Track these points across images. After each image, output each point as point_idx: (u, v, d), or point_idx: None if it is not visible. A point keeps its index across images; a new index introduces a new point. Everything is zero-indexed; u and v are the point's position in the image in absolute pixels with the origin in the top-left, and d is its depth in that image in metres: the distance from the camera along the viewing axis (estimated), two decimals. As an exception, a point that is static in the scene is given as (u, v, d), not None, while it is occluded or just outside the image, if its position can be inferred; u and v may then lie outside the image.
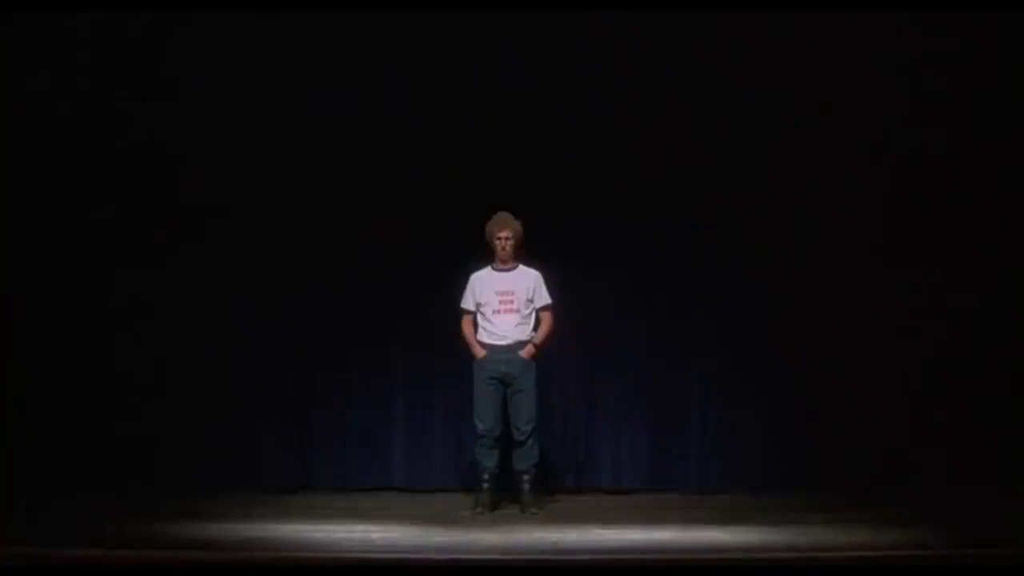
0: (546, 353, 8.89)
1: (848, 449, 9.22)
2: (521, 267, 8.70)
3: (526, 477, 8.64)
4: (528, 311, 8.65)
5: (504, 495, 8.75)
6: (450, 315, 8.90)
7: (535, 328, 8.67)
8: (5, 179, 9.02)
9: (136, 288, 9.27)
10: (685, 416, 9.49)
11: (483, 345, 8.63)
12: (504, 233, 8.59)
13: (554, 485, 9.21)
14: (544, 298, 8.68)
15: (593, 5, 9.09)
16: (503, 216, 8.64)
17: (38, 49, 9.06)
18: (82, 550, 7.04)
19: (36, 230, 9.13)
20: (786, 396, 9.34)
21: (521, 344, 8.60)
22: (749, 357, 9.39)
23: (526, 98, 9.35)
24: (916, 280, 9.23)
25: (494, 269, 8.69)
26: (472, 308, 8.69)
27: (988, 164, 9.14)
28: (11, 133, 8.98)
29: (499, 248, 8.61)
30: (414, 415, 9.49)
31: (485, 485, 8.63)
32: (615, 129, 9.39)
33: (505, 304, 8.62)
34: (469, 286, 8.69)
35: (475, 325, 8.71)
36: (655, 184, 9.37)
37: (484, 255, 8.73)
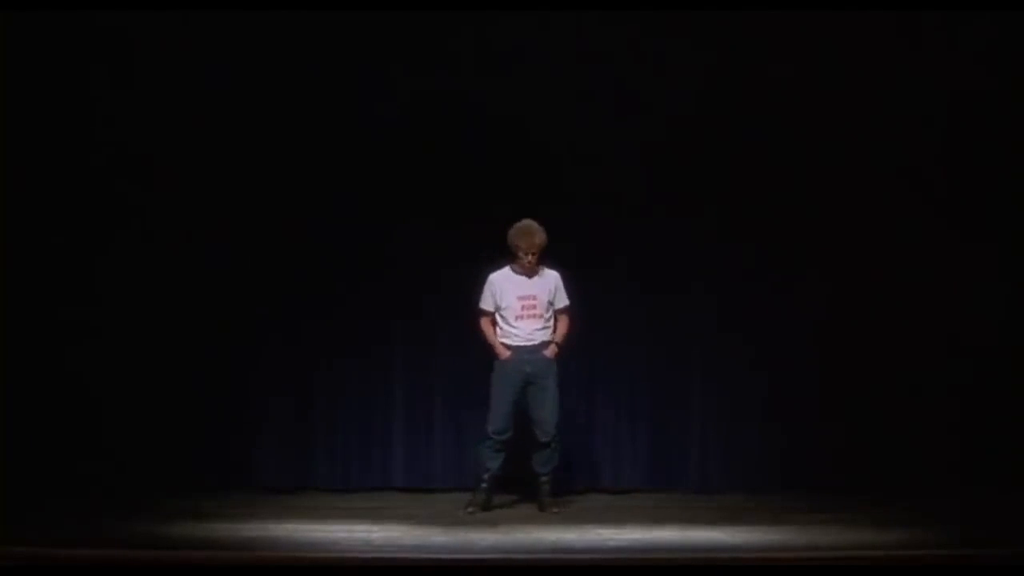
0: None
1: (848, 449, 9.22)
2: (542, 269, 8.61)
3: (545, 479, 8.64)
4: (549, 314, 8.60)
5: (500, 496, 8.78)
6: (450, 315, 8.92)
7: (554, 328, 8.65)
8: (4, 187, 9.02)
9: (135, 286, 9.27)
10: (685, 416, 9.48)
11: (506, 347, 8.58)
12: (532, 251, 8.42)
13: (554, 485, 9.19)
14: (563, 299, 8.63)
15: (596, 5, 9.08)
16: (529, 229, 8.44)
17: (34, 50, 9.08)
18: (82, 550, 7.04)
19: (29, 228, 9.10)
20: (786, 396, 9.34)
21: (545, 345, 8.57)
22: (749, 357, 9.38)
23: (525, 97, 9.33)
24: (917, 280, 9.22)
25: (514, 272, 8.59)
26: (492, 309, 8.60)
27: (990, 162, 9.14)
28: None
29: (525, 261, 8.47)
30: (414, 415, 9.49)
31: (484, 485, 8.62)
32: (614, 129, 9.39)
33: (528, 309, 8.54)
34: (488, 287, 8.60)
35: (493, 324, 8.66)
36: (656, 182, 9.37)
37: (486, 253, 8.68)
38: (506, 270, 8.62)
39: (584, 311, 9.24)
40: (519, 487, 8.84)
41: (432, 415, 9.48)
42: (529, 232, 8.46)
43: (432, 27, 9.23)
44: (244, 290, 9.35)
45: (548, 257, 8.68)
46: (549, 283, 8.60)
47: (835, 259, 9.30)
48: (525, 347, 8.54)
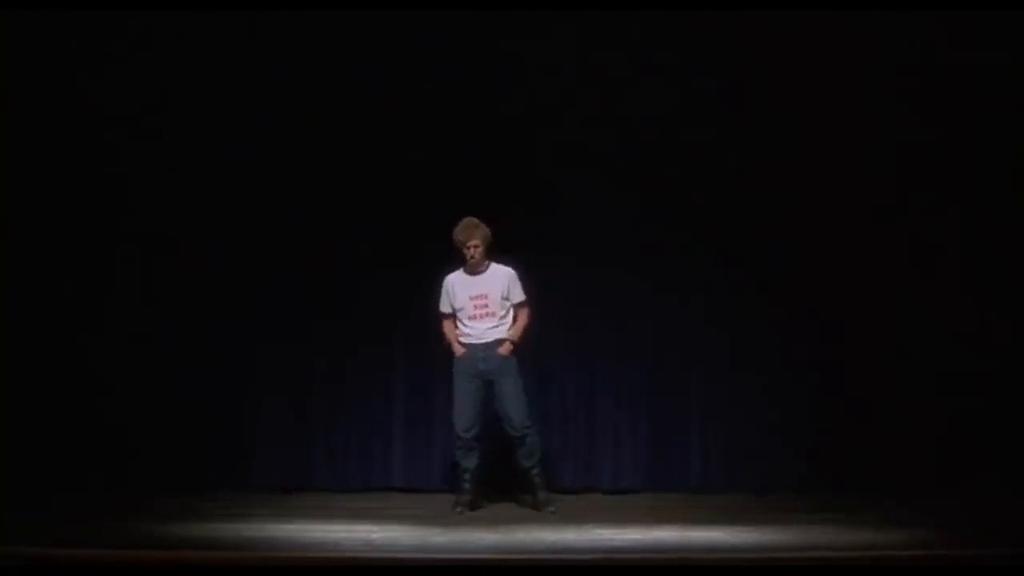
0: (546, 353, 8.90)
1: (848, 449, 9.22)
2: (493, 266, 8.64)
3: (535, 472, 8.64)
4: (504, 311, 8.62)
5: (499, 495, 8.80)
6: (450, 315, 8.92)
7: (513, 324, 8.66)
8: (5, 183, 9.03)
9: (135, 286, 9.28)
10: (685, 416, 9.49)
11: (462, 344, 8.63)
12: (473, 242, 8.52)
13: (554, 485, 9.19)
14: (519, 295, 8.65)
15: (588, 6, 9.08)
16: (470, 222, 8.55)
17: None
18: (82, 550, 7.04)
19: (29, 228, 9.12)
20: (786, 396, 9.35)
21: (499, 343, 8.59)
22: (749, 357, 9.39)
23: (524, 96, 9.34)
24: (917, 281, 9.23)
25: (466, 272, 8.65)
26: (449, 311, 8.68)
27: (991, 164, 9.14)
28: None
29: (468, 256, 8.56)
30: (414, 415, 9.50)
31: (466, 485, 8.63)
32: (616, 132, 9.39)
33: (479, 308, 8.60)
34: (444, 289, 8.68)
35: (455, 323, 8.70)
36: (656, 184, 9.38)
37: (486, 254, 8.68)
38: (459, 271, 8.68)
39: (585, 312, 9.27)
40: (516, 486, 8.84)
41: (432, 415, 9.48)
42: (470, 225, 8.55)
43: (433, 28, 9.23)
44: (244, 290, 9.36)
45: (546, 258, 8.69)
46: (501, 280, 8.62)
47: (836, 259, 9.30)
48: (478, 345, 8.58)
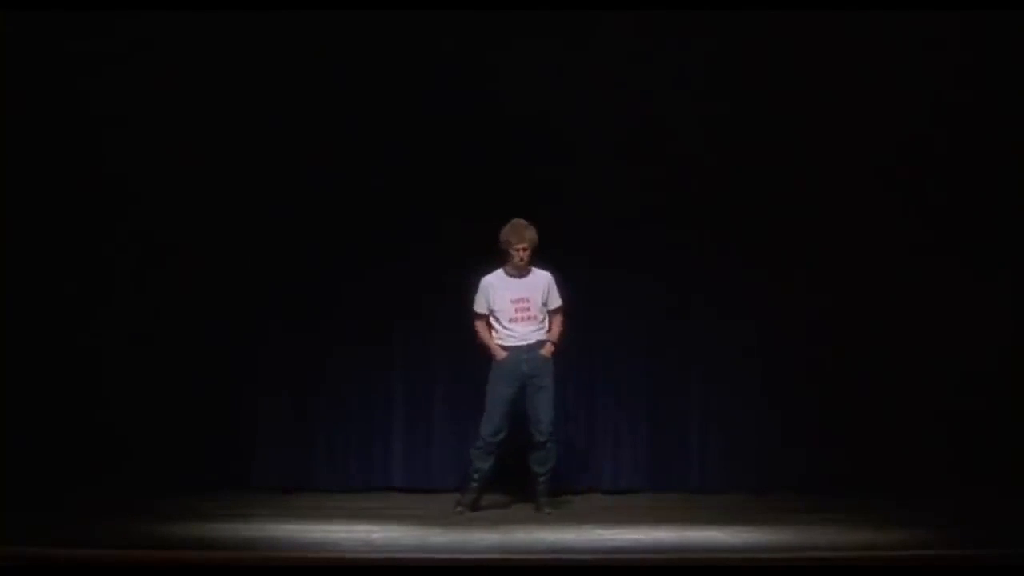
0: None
1: (848, 449, 9.22)
2: (534, 271, 8.61)
3: (543, 478, 8.63)
4: (543, 316, 8.60)
5: (498, 495, 8.81)
6: (451, 315, 8.91)
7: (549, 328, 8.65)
8: (5, 183, 9.03)
9: (135, 286, 9.28)
10: (685, 416, 9.49)
11: (502, 348, 8.58)
12: (523, 244, 8.47)
13: (554, 485, 9.19)
14: (556, 300, 8.63)
15: (594, 6, 9.08)
16: (520, 224, 8.50)
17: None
18: (82, 550, 7.03)
19: (29, 229, 9.12)
20: (786, 396, 9.35)
21: (541, 344, 8.57)
22: (749, 357, 9.39)
23: (526, 96, 9.32)
24: (917, 281, 9.23)
25: (507, 275, 8.60)
26: (486, 312, 8.62)
27: (994, 161, 9.15)
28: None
29: (517, 258, 8.50)
30: (414, 415, 9.49)
31: (474, 485, 8.63)
32: (613, 130, 9.38)
33: (521, 312, 8.56)
34: (481, 291, 8.61)
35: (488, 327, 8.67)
36: (656, 184, 9.37)
37: (485, 254, 8.67)
38: (499, 272, 8.63)
39: (585, 312, 9.25)
40: (517, 486, 8.84)
41: (432, 415, 9.49)
42: (520, 227, 8.50)
43: (434, 28, 9.22)
44: (244, 290, 9.36)
45: (546, 258, 8.69)
46: (541, 284, 8.60)
47: (835, 259, 9.31)
48: (521, 347, 8.55)
